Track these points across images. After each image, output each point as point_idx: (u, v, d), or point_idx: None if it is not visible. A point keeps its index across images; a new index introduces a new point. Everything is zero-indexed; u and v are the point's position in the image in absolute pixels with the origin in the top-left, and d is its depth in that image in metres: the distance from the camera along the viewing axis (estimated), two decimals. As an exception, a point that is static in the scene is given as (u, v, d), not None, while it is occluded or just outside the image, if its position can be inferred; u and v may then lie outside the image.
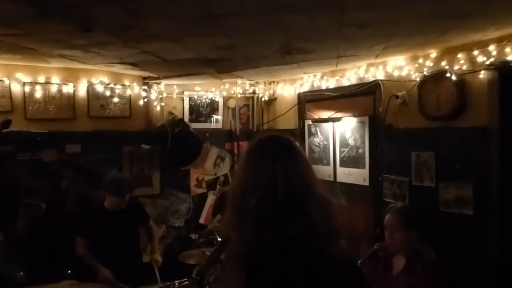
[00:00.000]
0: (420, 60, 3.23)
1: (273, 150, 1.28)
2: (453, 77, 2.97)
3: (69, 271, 2.64)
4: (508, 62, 2.65)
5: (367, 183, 3.76)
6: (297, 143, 1.33)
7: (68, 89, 3.89)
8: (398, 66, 3.42)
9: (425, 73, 3.20)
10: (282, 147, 1.29)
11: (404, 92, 3.38)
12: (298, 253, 1.15)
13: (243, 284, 1.15)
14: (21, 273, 3.02)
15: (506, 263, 2.72)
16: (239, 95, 4.97)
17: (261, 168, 1.24)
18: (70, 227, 3.54)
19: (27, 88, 3.72)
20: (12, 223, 3.59)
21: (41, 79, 3.76)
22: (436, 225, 3.00)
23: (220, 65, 3.63)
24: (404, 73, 3.37)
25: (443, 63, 3.05)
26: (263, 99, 5.10)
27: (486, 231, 2.80)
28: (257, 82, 5.01)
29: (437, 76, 3.11)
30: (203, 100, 4.88)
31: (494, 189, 2.77)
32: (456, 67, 2.96)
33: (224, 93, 4.90)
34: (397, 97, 3.42)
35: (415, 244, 2.61)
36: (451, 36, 2.73)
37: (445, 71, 3.02)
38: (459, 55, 2.93)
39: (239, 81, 4.83)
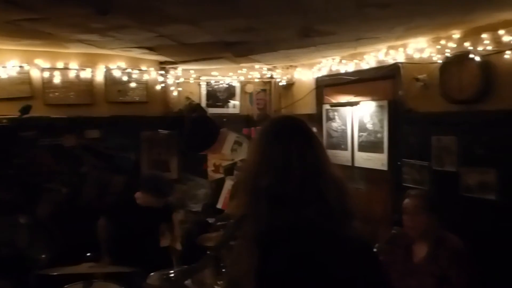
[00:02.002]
0: (442, 42, 3.13)
1: (287, 131, 1.27)
2: (477, 59, 2.87)
3: (88, 254, 2.68)
4: (536, 41, 2.55)
5: (385, 168, 3.71)
6: (310, 126, 1.31)
7: (86, 74, 3.92)
8: (419, 48, 3.32)
9: (447, 55, 3.10)
10: (296, 129, 1.28)
11: (425, 75, 3.29)
12: (312, 233, 1.15)
13: (256, 263, 1.14)
14: (44, 256, 3.09)
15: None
16: (256, 80, 4.94)
17: (275, 148, 1.23)
18: (89, 211, 3.59)
19: (46, 74, 3.76)
20: (34, 207, 3.67)
21: (60, 64, 3.80)
22: (457, 210, 2.94)
23: (238, 49, 3.59)
24: (425, 55, 3.27)
25: (466, 44, 2.94)
26: (280, 84, 5.05)
27: (510, 216, 2.73)
28: (274, 67, 4.96)
29: (460, 58, 3.01)
30: (220, 85, 4.86)
31: (519, 174, 2.69)
32: (480, 48, 2.86)
33: (242, 78, 4.87)
34: (417, 80, 3.33)
35: (436, 231, 2.54)
36: (476, 16, 2.63)
37: (469, 53, 2.92)
38: (483, 35, 2.82)
39: (257, 65, 4.78)
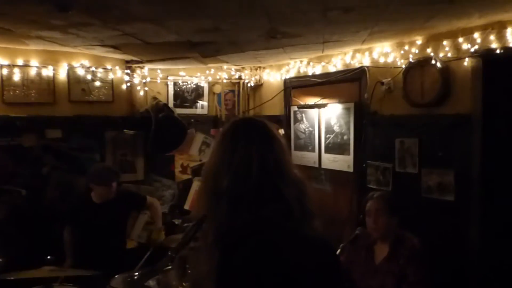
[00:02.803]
0: (406, 47, 3.21)
1: (248, 132, 1.28)
2: (438, 64, 2.97)
3: (48, 257, 2.60)
4: (492, 50, 2.66)
5: (351, 170, 3.77)
6: (273, 126, 1.33)
7: (47, 72, 3.79)
8: (384, 53, 3.40)
9: (410, 59, 3.19)
10: (256, 130, 1.29)
11: (389, 79, 3.37)
12: (272, 234, 1.16)
13: (217, 264, 1.14)
14: (0, 260, 2.97)
15: (486, 248, 2.76)
16: (224, 81, 4.91)
17: (235, 149, 1.24)
18: (51, 213, 3.48)
19: (5, 71, 3.61)
20: (-9, 210, 3.52)
21: (19, 61, 3.65)
22: (417, 211, 3.03)
23: (204, 49, 3.57)
24: (389, 59, 3.36)
25: (428, 50, 3.04)
26: (249, 85, 5.05)
27: (467, 217, 2.83)
28: (243, 68, 4.95)
29: (422, 63, 3.10)
30: (188, 85, 4.81)
31: (476, 175, 2.80)
32: (441, 54, 2.95)
33: (210, 78, 4.84)
34: (382, 83, 3.41)
35: (396, 231, 2.61)
36: (436, 23, 2.72)
37: (430, 58, 3.01)
38: (444, 42, 2.92)
39: (225, 66, 4.76)
